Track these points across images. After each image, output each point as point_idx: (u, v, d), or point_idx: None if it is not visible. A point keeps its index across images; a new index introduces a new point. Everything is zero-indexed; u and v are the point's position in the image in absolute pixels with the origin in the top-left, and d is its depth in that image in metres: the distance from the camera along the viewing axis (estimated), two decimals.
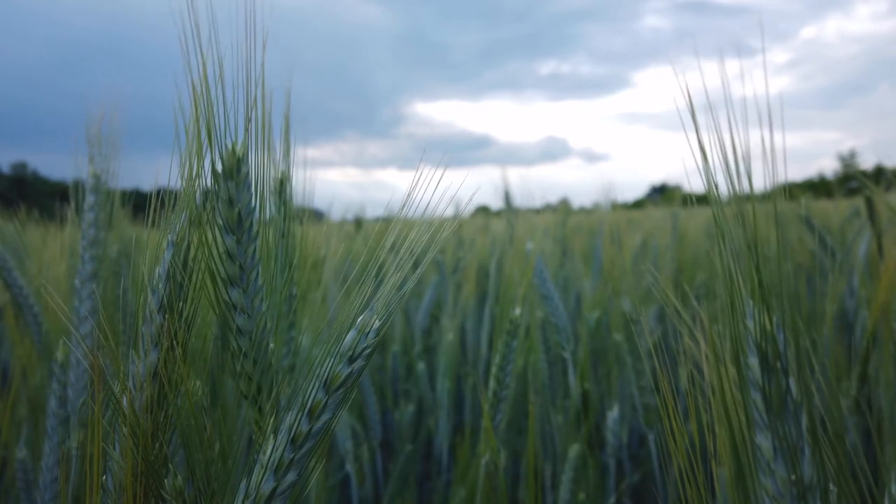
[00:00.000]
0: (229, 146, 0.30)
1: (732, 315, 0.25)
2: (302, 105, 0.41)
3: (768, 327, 0.23)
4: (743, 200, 0.24)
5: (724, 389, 0.25)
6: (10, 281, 0.71)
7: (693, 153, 0.25)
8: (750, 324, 0.24)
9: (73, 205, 0.54)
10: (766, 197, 0.23)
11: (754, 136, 0.23)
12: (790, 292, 0.23)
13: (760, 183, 0.24)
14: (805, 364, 0.23)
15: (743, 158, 0.24)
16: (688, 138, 0.25)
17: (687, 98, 0.25)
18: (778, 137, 0.23)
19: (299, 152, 0.43)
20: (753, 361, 0.24)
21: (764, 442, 0.24)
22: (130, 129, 0.52)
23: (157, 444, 0.30)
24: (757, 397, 0.24)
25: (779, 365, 0.23)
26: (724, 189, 0.25)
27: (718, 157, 0.24)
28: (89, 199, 0.53)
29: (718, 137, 0.24)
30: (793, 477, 0.23)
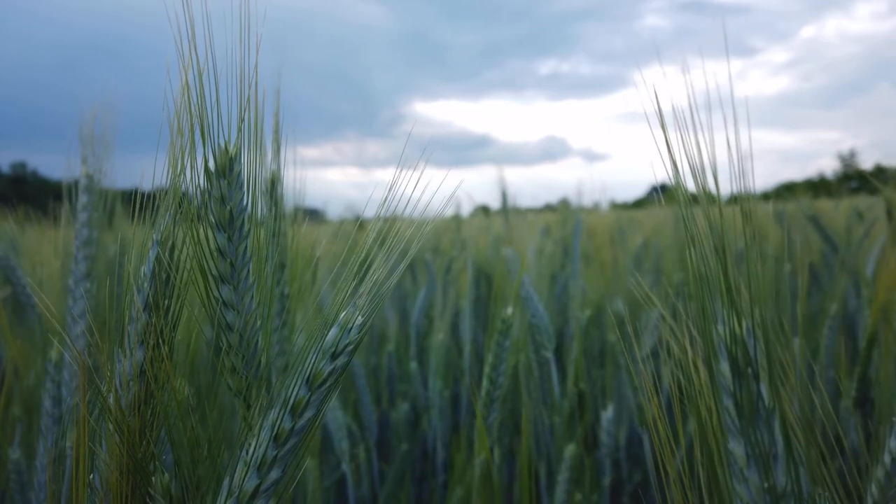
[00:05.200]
0: (222, 145, 0.30)
1: (703, 319, 0.24)
2: (302, 105, 0.41)
3: (738, 332, 0.23)
4: (710, 201, 0.23)
5: (698, 394, 0.24)
6: (14, 279, 0.71)
7: (678, 154, 0.25)
8: (720, 328, 0.24)
9: (66, 205, 0.54)
10: (736, 198, 0.23)
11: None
12: (765, 295, 0.22)
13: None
14: (777, 369, 0.22)
15: (713, 159, 0.23)
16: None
17: (666, 99, 0.25)
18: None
19: (295, 152, 0.43)
20: (724, 367, 0.23)
21: (737, 448, 0.23)
22: (131, 130, 0.52)
23: (144, 442, 0.30)
24: (729, 403, 0.23)
25: (749, 371, 0.22)
26: (695, 189, 0.24)
27: (692, 159, 0.24)
28: (82, 198, 0.53)
29: (693, 138, 0.24)
30: (766, 484, 0.22)
